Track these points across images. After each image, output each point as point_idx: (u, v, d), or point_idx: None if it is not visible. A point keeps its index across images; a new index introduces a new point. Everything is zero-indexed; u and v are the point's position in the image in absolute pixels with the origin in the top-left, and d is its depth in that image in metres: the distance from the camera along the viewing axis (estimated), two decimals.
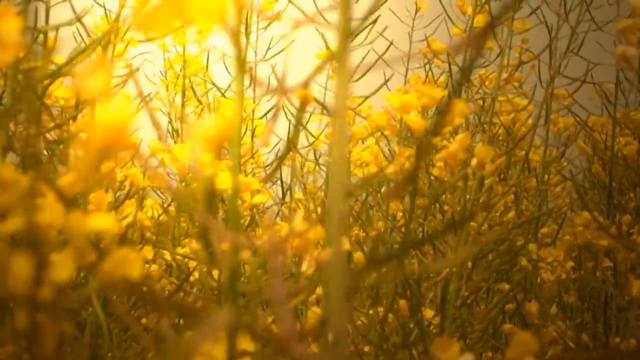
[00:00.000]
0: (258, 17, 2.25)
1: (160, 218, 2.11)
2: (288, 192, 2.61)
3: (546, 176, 2.54)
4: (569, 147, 2.62)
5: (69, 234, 0.63)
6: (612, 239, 1.70)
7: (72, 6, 1.60)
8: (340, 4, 0.68)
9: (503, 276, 2.20)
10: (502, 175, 2.15)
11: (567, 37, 2.34)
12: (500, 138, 2.27)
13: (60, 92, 1.87)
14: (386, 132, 1.63)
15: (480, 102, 2.19)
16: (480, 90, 2.19)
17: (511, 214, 2.18)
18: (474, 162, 1.47)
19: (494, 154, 1.51)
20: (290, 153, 2.52)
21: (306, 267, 0.94)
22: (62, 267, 0.62)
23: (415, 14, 2.89)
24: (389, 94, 1.44)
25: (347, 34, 0.69)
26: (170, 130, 2.51)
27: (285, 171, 2.74)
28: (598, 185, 2.44)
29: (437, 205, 1.82)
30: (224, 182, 0.85)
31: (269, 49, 2.39)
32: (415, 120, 1.39)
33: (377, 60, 2.01)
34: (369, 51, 2.09)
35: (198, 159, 0.72)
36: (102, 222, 0.65)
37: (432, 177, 1.71)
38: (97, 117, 0.56)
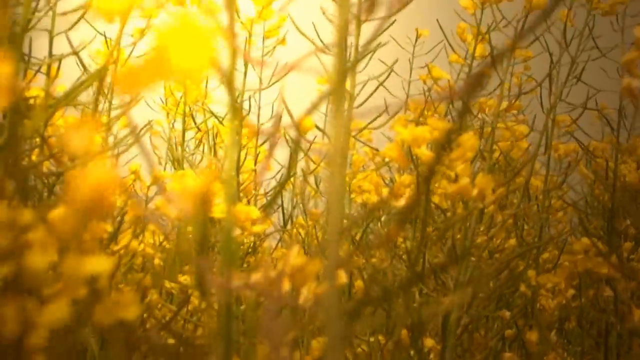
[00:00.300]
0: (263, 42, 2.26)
1: (162, 245, 2.12)
2: (290, 219, 2.61)
3: (547, 202, 2.54)
4: (570, 174, 2.62)
5: (64, 275, 0.63)
6: (612, 267, 1.70)
7: (69, 42, 1.61)
8: (337, 45, 0.69)
9: (503, 303, 2.20)
10: (503, 203, 2.15)
11: (569, 63, 2.34)
12: (500, 165, 2.27)
13: (62, 121, 1.88)
14: (396, 165, 1.64)
15: (479, 129, 2.19)
16: (480, 117, 2.20)
17: (512, 241, 2.18)
18: (474, 192, 1.47)
19: (494, 184, 1.51)
20: (291, 179, 2.52)
21: (304, 300, 0.94)
22: (56, 310, 0.62)
23: (416, 40, 2.90)
24: (401, 127, 1.45)
25: (344, 73, 0.69)
26: (171, 157, 2.52)
27: (287, 197, 2.75)
28: (600, 211, 2.44)
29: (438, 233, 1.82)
30: (220, 211, 0.85)
31: (272, 76, 2.39)
32: (427, 154, 1.40)
33: (377, 88, 2.01)
34: (368, 80, 2.09)
35: (186, 209, 0.73)
36: (97, 264, 0.65)
37: (434, 206, 1.72)
38: (79, 180, 0.56)
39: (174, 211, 0.68)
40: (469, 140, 1.36)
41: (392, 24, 1.84)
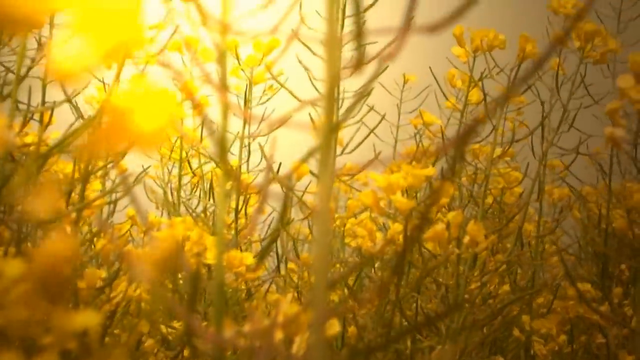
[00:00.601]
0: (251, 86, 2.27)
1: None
2: (284, 262, 2.61)
3: (541, 247, 2.54)
4: (562, 220, 2.62)
5: (54, 330, 0.64)
6: (601, 315, 1.70)
7: (64, 90, 1.62)
8: (325, 99, 0.69)
9: (497, 348, 2.20)
10: (495, 248, 2.16)
11: (561, 109, 2.35)
12: (494, 211, 2.28)
13: (59, 165, 1.89)
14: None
15: (472, 174, 2.20)
16: (473, 163, 2.21)
17: (505, 286, 2.18)
18: (466, 239, 1.48)
19: (486, 231, 1.52)
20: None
21: (297, 350, 0.95)
22: None
23: (404, 86, 2.92)
24: (375, 174, 1.47)
25: (331, 131, 0.70)
26: (167, 202, 2.53)
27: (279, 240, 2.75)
28: (593, 256, 2.44)
29: (431, 278, 1.82)
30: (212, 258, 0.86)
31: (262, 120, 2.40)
32: (401, 201, 1.41)
33: (367, 135, 2.03)
34: (359, 127, 2.10)
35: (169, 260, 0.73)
36: (87, 319, 0.65)
37: (424, 251, 1.72)
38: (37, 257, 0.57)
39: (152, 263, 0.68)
40: (444, 186, 1.38)
41: (383, 70, 1.86)
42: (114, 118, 0.46)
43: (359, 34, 0.68)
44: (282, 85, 1.90)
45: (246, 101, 2.17)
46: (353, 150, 2.02)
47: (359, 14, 0.68)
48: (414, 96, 2.83)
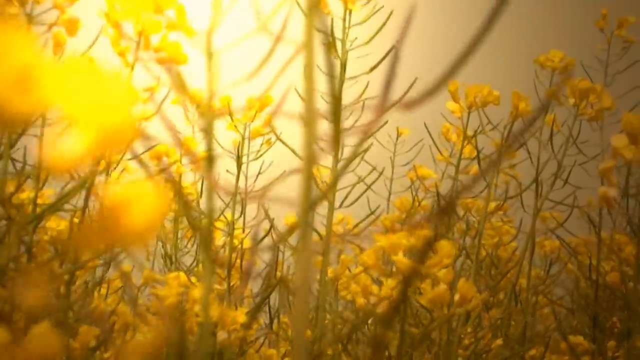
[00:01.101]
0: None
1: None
2: (277, 317, 2.61)
3: (533, 299, 2.55)
4: (555, 277, 2.63)
5: None
6: None
7: None
8: (303, 181, 0.70)
9: None
10: (490, 302, 2.16)
11: (552, 161, 2.37)
12: (487, 265, 2.29)
13: (52, 223, 1.89)
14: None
15: (465, 229, 2.22)
16: (466, 217, 2.22)
17: (498, 341, 2.19)
18: (456, 297, 1.49)
19: (479, 288, 1.53)
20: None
21: None
22: None
23: (397, 139, 2.95)
24: (379, 235, 1.48)
25: (309, 207, 0.70)
26: (163, 256, 2.53)
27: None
28: (585, 307, 2.45)
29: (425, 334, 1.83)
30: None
31: (259, 173, 2.41)
32: (403, 262, 1.42)
33: (364, 192, 2.04)
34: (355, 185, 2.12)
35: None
36: None
37: (420, 307, 1.72)
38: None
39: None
40: (445, 247, 1.39)
41: (379, 129, 1.89)
42: (106, 213, 0.46)
43: (337, 111, 0.69)
44: (281, 141, 1.92)
45: (239, 157, 2.19)
46: (350, 206, 2.04)
47: (335, 91, 0.69)
48: (407, 149, 2.86)
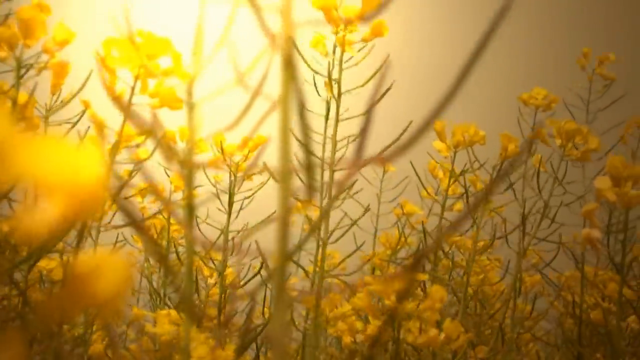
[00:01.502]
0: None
1: None
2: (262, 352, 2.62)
3: (515, 333, 2.57)
4: (542, 315, 2.65)
5: None
6: None
7: None
8: (278, 235, 0.71)
9: None
10: (475, 341, 2.18)
11: (535, 199, 2.39)
12: (473, 305, 2.31)
13: (44, 263, 1.90)
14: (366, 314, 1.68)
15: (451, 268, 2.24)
16: (451, 255, 2.24)
17: None
18: (442, 336, 1.51)
19: (466, 327, 1.55)
20: None
21: None
22: None
23: (383, 175, 2.97)
24: (370, 279, 1.50)
25: (285, 260, 0.71)
26: (149, 292, 2.53)
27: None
28: (569, 343, 2.47)
29: None
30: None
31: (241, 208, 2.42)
32: (394, 305, 1.45)
33: (349, 228, 2.06)
34: (342, 217, 2.14)
35: None
36: None
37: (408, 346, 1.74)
38: None
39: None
40: (437, 292, 1.42)
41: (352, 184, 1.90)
42: (74, 283, 0.48)
43: (309, 166, 0.70)
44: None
45: (231, 195, 2.20)
46: (336, 242, 2.05)
47: (308, 145, 0.70)
48: (393, 186, 2.88)
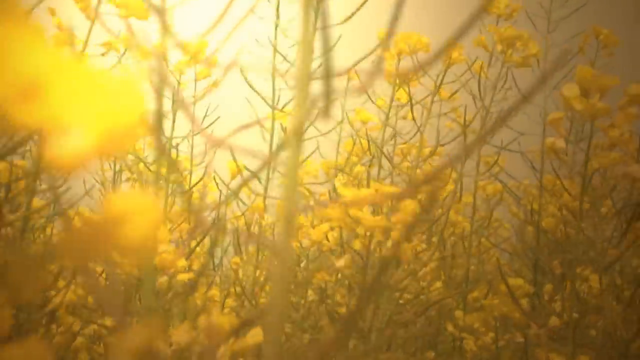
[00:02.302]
0: None
1: None
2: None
3: (476, 241, 2.59)
4: (498, 227, 2.67)
5: None
6: (522, 314, 1.75)
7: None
8: (293, 142, 0.71)
9: (429, 343, 2.24)
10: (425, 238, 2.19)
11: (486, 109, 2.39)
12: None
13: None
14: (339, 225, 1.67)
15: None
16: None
17: (438, 283, 2.22)
18: (394, 218, 1.51)
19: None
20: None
21: (221, 357, 0.98)
22: None
23: (347, 84, 2.96)
24: (345, 189, 1.50)
25: (297, 167, 0.71)
26: None
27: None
28: (528, 251, 2.49)
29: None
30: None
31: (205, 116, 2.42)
32: (368, 218, 1.45)
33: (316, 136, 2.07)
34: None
35: None
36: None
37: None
38: None
39: None
40: (409, 205, 1.41)
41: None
42: (103, 222, 0.46)
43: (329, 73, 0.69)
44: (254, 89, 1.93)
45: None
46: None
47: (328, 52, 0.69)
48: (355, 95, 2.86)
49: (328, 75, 0.65)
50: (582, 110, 1.44)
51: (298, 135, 0.66)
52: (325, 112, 0.64)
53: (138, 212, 0.44)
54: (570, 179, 2.35)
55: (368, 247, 1.61)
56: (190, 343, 0.91)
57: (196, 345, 0.91)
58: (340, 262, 1.69)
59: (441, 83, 2.15)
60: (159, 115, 0.88)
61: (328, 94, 0.65)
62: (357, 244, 1.65)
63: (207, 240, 2.05)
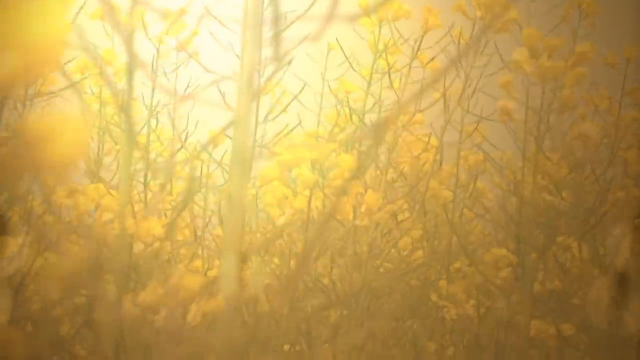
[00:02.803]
0: None
1: None
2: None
3: (458, 212, 2.58)
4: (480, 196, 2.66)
5: None
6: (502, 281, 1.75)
7: None
8: (240, 85, 0.70)
9: (412, 312, 2.24)
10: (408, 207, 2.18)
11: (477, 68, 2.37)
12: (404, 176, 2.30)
13: None
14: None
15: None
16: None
17: (419, 252, 2.21)
18: (362, 209, 1.51)
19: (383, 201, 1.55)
20: None
21: (192, 318, 0.96)
22: None
23: (328, 54, 2.94)
24: (281, 148, 1.49)
25: (251, 101, 0.70)
26: (86, 172, 2.51)
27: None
28: (510, 221, 2.48)
29: None
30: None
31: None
32: (305, 175, 1.44)
33: (290, 102, 2.04)
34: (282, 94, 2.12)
35: None
36: None
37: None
38: None
39: None
40: (346, 161, 1.41)
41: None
42: (25, 142, 0.45)
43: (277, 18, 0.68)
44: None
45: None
46: (276, 117, 2.03)
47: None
48: (338, 63, 2.84)
49: (276, 19, 0.64)
50: (532, 72, 1.44)
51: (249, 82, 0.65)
52: (275, 56, 0.63)
53: (60, 130, 0.43)
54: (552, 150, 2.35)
55: (308, 204, 1.61)
56: (157, 303, 0.89)
57: (164, 305, 0.90)
58: (281, 220, 1.68)
59: (418, 48, 2.13)
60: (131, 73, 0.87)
61: (277, 38, 0.64)
62: (297, 202, 1.64)
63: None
